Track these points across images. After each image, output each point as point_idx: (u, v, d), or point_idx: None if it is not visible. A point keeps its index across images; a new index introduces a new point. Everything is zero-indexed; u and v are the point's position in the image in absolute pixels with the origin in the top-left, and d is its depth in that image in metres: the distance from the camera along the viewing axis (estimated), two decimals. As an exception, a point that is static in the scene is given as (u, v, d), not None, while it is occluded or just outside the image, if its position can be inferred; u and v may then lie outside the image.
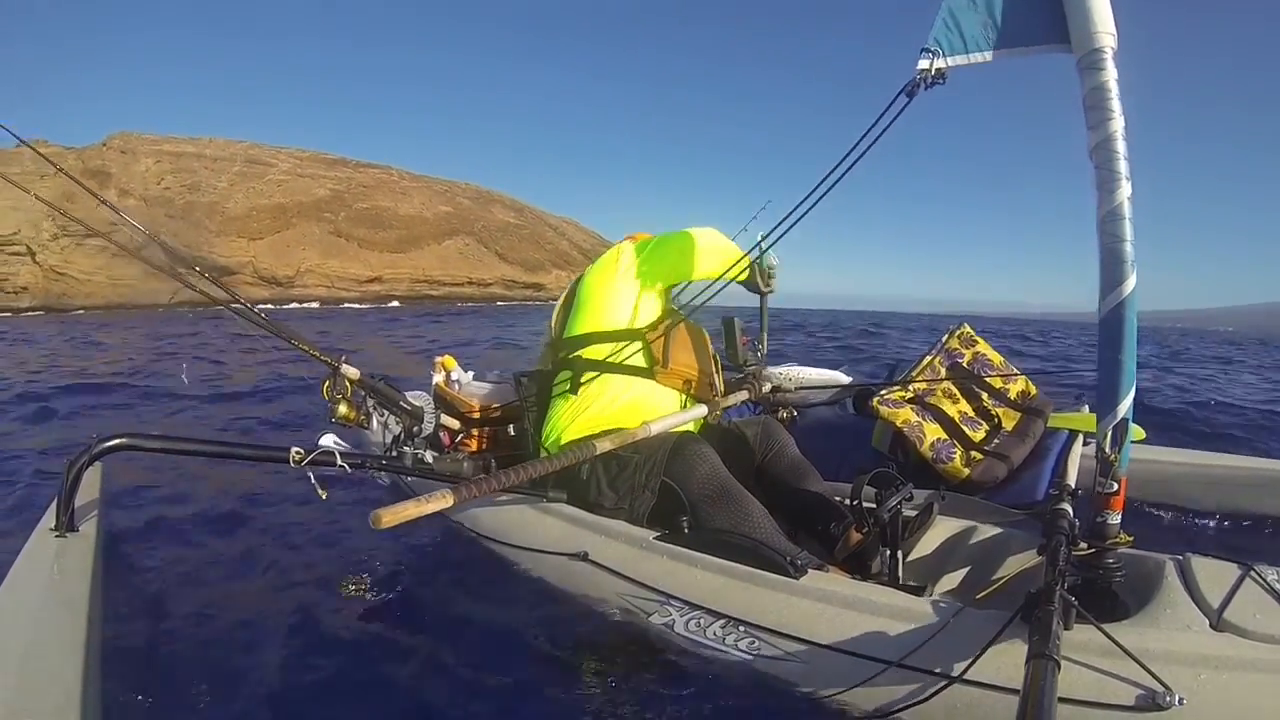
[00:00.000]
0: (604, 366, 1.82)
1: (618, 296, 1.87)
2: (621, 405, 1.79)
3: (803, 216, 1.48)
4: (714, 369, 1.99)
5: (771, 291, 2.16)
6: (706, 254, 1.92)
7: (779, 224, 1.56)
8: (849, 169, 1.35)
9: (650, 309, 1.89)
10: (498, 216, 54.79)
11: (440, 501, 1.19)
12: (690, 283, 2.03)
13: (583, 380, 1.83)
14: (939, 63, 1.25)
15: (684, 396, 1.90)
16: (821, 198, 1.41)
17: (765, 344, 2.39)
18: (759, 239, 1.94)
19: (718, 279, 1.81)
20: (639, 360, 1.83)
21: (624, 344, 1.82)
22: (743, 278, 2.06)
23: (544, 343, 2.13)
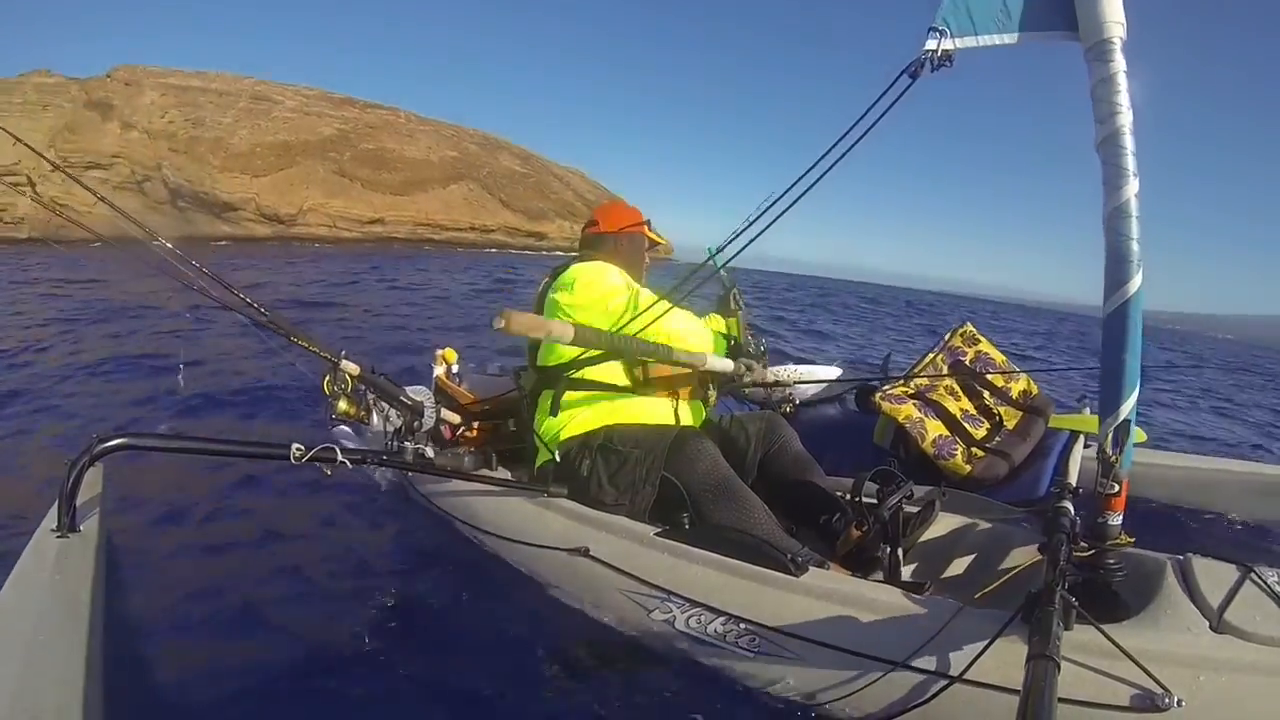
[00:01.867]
0: (585, 385, 1.80)
1: (588, 323, 1.77)
2: (604, 412, 1.77)
3: (796, 201, 1.41)
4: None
5: (738, 309, 2.11)
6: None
7: (764, 210, 1.51)
8: (844, 154, 1.29)
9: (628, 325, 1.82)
10: (503, 164, 53.79)
11: (562, 330, 1.26)
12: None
13: (563, 402, 1.80)
14: (946, 43, 1.22)
15: (674, 404, 1.86)
16: (815, 183, 1.35)
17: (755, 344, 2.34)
18: (711, 252, 1.87)
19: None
20: (620, 378, 1.80)
21: (601, 365, 1.78)
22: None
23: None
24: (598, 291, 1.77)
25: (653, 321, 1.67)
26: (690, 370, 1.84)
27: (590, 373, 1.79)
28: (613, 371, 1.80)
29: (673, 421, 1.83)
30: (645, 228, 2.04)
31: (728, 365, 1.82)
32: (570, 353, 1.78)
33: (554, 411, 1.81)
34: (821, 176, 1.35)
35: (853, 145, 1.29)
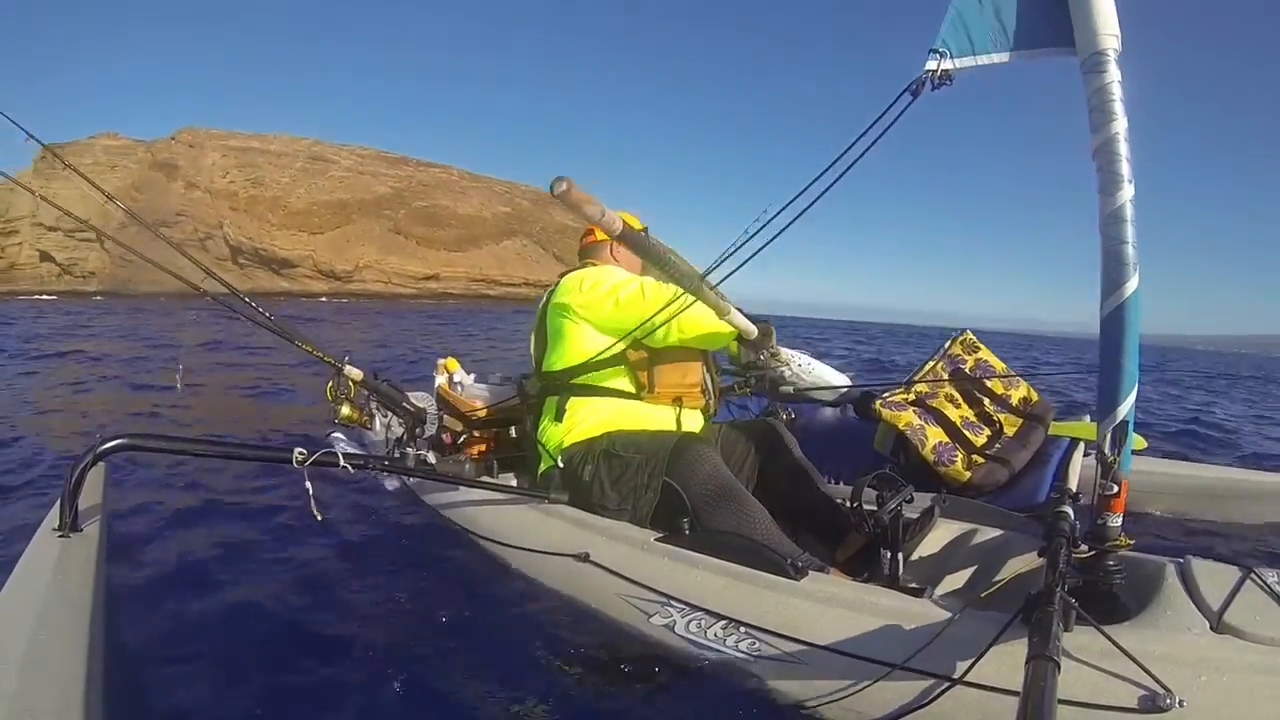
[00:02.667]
0: (588, 391, 1.81)
1: (584, 331, 1.80)
2: (607, 418, 1.78)
3: (792, 221, 1.39)
4: (710, 375, 1.93)
5: (770, 365, 1.97)
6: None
7: (763, 225, 1.45)
8: (845, 171, 1.30)
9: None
10: (555, 219, 54.73)
11: (612, 222, 1.11)
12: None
13: (567, 407, 1.81)
14: (947, 64, 1.25)
15: (676, 411, 1.85)
16: (814, 202, 1.35)
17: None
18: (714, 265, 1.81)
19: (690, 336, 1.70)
20: (624, 384, 1.81)
21: (606, 370, 1.79)
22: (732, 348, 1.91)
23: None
24: (606, 286, 1.79)
25: (666, 305, 1.64)
26: (696, 373, 1.85)
27: (595, 378, 1.80)
28: (617, 377, 1.80)
29: (674, 428, 1.83)
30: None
31: (751, 328, 1.75)
32: (577, 358, 1.80)
33: (558, 418, 1.82)
34: (823, 193, 1.35)
35: (854, 162, 1.31)
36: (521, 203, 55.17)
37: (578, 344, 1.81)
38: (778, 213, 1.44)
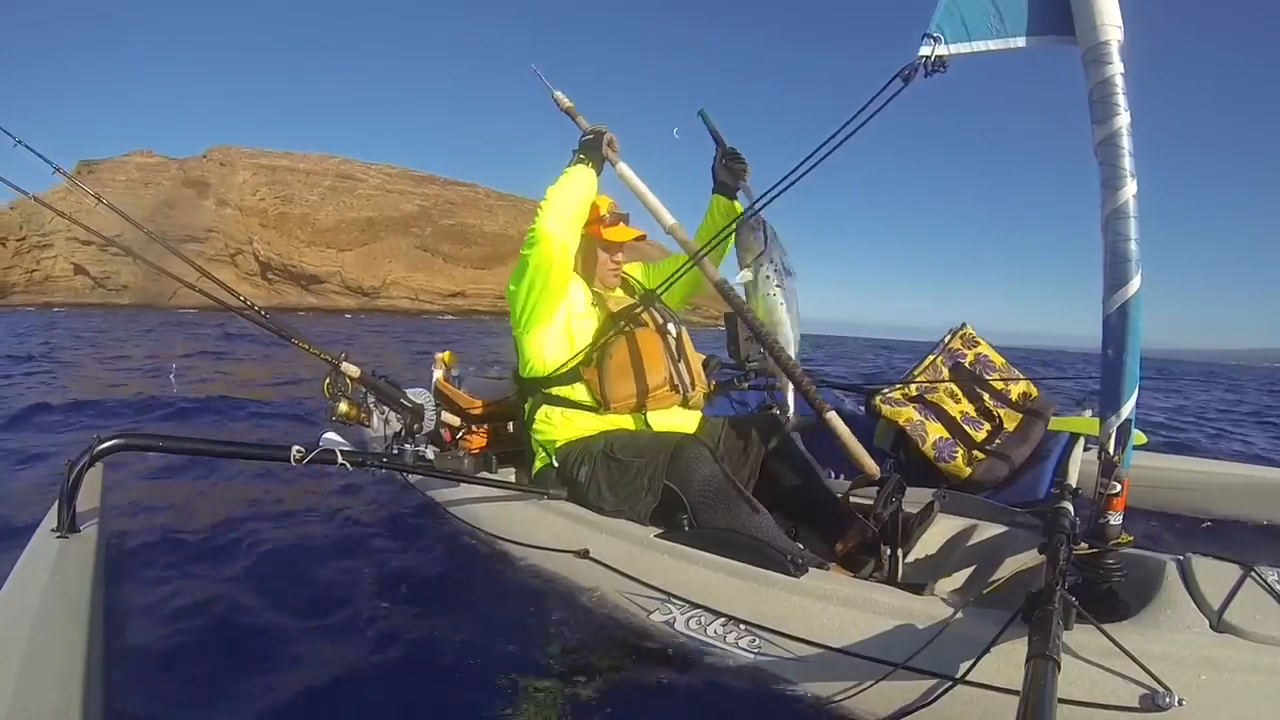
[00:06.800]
0: (556, 401, 1.80)
1: (532, 341, 1.79)
2: (600, 420, 1.78)
3: (775, 196, 1.47)
4: (681, 366, 1.86)
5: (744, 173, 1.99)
6: (543, 240, 1.64)
7: (758, 201, 1.56)
8: (831, 151, 1.32)
9: (582, 329, 1.78)
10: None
11: None
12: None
13: (537, 417, 1.82)
14: (940, 49, 1.23)
15: (643, 417, 1.81)
16: (799, 178, 1.40)
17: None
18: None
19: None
20: (584, 397, 1.78)
21: (565, 385, 1.78)
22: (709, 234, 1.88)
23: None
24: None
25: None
26: (657, 375, 1.79)
27: (559, 390, 1.79)
28: (577, 391, 1.78)
29: (667, 428, 1.81)
30: (599, 228, 1.86)
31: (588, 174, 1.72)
32: (540, 369, 1.79)
33: (532, 421, 1.83)
34: (802, 175, 1.39)
35: (840, 144, 1.31)
36: (548, 220, 57.64)
37: (538, 352, 1.79)
38: (764, 204, 1.55)
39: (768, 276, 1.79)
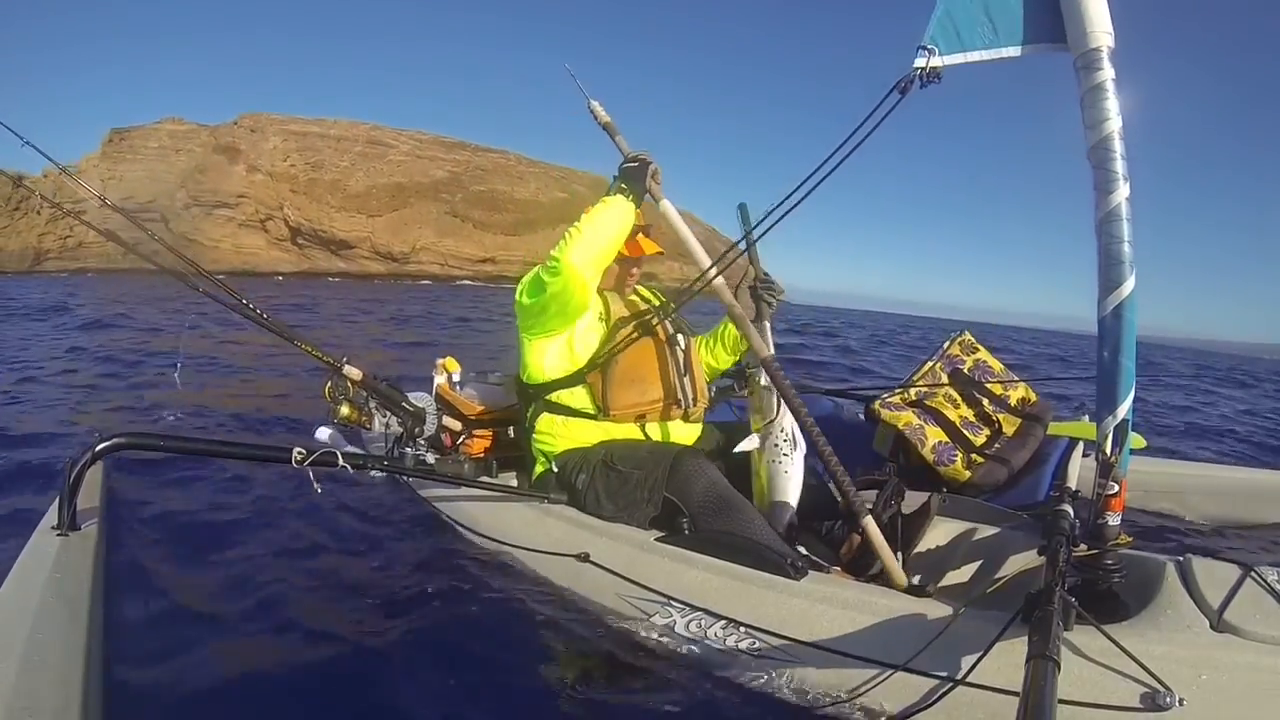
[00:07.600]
0: (556, 408, 1.79)
1: (533, 350, 1.77)
2: (598, 429, 1.77)
3: (781, 219, 1.45)
4: (679, 384, 1.82)
5: (775, 298, 1.89)
6: (558, 271, 1.57)
7: (758, 223, 1.54)
8: (834, 169, 1.32)
9: (585, 342, 1.75)
10: None
11: None
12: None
13: (538, 424, 1.81)
14: (935, 61, 1.25)
15: (642, 426, 1.79)
16: (803, 198, 1.38)
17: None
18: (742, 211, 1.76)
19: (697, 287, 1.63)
20: (585, 404, 1.77)
21: (567, 390, 1.76)
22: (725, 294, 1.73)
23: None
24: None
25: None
26: (656, 389, 1.78)
27: (560, 396, 1.78)
28: (579, 398, 1.77)
29: (662, 437, 1.81)
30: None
31: (629, 207, 1.63)
32: (539, 376, 1.78)
33: (532, 428, 1.83)
34: (809, 192, 1.37)
35: (842, 160, 1.31)
36: (578, 188, 54.73)
37: (538, 361, 1.77)
38: (771, 224, 1.50)
39: (776, 444, 1.74)
